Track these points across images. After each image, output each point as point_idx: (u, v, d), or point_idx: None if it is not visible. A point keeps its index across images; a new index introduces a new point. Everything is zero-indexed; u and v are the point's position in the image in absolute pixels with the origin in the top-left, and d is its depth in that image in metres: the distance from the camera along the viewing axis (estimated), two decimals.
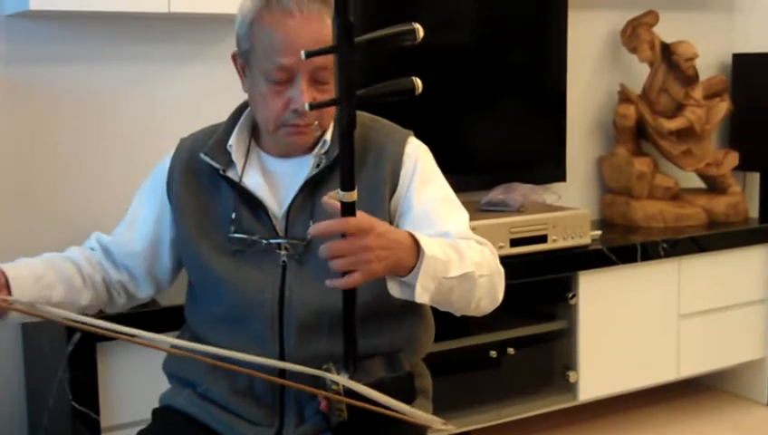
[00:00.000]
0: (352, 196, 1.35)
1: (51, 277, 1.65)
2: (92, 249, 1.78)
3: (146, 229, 1.75)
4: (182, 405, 1.69)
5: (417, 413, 1.37)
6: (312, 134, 1.63)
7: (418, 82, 1.33)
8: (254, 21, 1.57)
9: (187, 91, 2.72)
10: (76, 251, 1.76)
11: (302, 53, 1.31)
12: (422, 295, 1.47)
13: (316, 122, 1.61)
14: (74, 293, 1.69)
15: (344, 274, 1.38)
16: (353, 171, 1.34)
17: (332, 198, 1.37)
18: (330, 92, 1.57)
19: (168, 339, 1.47)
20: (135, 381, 2.23)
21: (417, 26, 1.33)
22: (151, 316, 2.20)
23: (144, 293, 1.80)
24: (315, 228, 1.37)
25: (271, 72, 1.57)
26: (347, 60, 1.29)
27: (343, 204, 1.35)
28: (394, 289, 1.48)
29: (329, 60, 1.53)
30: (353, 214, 1.36)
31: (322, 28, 1.53)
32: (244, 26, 1.60)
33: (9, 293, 1.55)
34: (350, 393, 1.43)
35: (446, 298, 1.52)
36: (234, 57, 1.66)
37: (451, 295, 1.52)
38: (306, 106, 1.35)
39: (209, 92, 2.69)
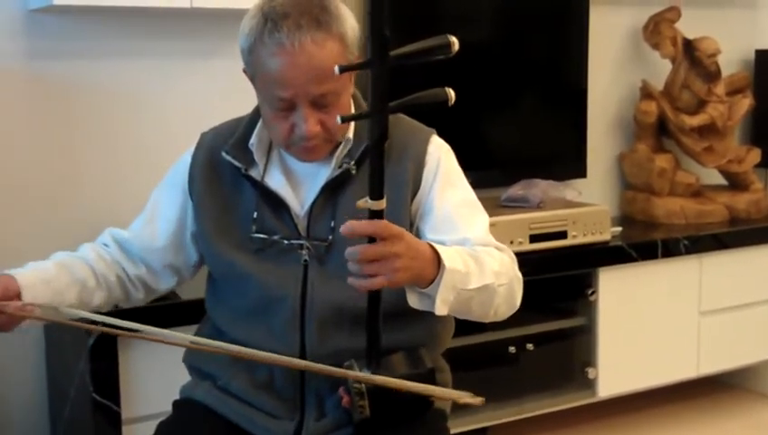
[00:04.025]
0: (381, 204, 1.35)
1: (63, 281, 1.66)
2: (106, 245, 1.79)
3: (168, 225, 1.75)
4: (202, 397, 1.70)
5: (446, 390, 1.36)
6: (326, 147, 1.62)
7: (452, 93, 1.31)
8: (251, 49, 1.57)
9: (208, 86, 2.72)
10: (89, 249, 1.77)
11: (336, 68, 1.29)
12: (441, 308, 1.47)
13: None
14: (87, 294, 1.70)
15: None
16: (383, 181, 1.34)
17: (360, 206, 1.37)
18: (335, 113, 1.54)
19: (186, 336, 1.47)
20: (156, 373, 2.24)
21: (453, 39, 1.30)
22: (172, 310, 2.22)
23: (165, 285, 1.81)
24: (347, 227, 1.36)
25: (272, 101, 1.57)
26: (380, 74, 1.28)
27: (371, 212, 1.36)
28: (413, 301, 1.49)
29: (329, 86, 1.53)
30: None
31: (318, 53, 1.51)
32: (245, 52, 1.59)
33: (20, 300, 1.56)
34: (373, 391, 1.43)
35: (465, 308, 1.53)
36: (244, 71, 1.65)
37: (470, 305, 1.53)
38: (338, 120, 1.34)
39: (230, 88, 2.68)
